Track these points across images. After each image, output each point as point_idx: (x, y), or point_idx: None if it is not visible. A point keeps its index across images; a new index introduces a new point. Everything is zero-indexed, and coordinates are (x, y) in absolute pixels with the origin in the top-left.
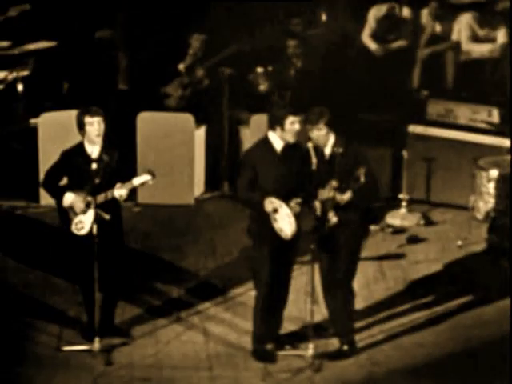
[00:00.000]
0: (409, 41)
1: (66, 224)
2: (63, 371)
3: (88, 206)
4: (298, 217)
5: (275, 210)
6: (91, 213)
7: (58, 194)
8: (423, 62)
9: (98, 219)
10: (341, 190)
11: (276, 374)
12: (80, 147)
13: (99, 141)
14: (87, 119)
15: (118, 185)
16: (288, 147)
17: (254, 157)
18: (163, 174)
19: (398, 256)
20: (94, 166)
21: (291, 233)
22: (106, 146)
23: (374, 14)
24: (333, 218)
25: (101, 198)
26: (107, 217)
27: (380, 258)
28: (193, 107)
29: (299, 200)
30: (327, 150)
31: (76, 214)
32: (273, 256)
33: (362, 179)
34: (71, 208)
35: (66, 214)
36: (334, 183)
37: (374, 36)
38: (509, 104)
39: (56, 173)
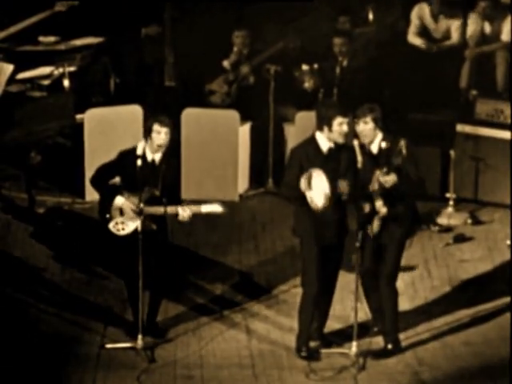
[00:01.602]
0: (459, 40)
1: (104, 220)
2: (107, 368)
3: (138, 213)
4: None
5: (310, 177)
6: (138, 220)
7: (105, 192)
8: (472, 62)
9: (144, 228)
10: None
11: (320, 371)
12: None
13: (160, 150)
14: (156, 127)
15: (184, 204)
16: (335, 149)
17: (300, 156)
18: (207, 171)
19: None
20: (149, 173)
21: (321, 205)
22: (166, 156)
23: (417, 12)
24: (382, 209)
25: (156, 210)
26: (154, 227)
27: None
28: (238, 104)
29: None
30: (374, 148)
31: (121, 215)
32: (321, 256)
33: (404, 151)
34: (119, 209)
35: (108, 211)
36: (379, 172)
37: (421, 34)
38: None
39: (108, 171)
